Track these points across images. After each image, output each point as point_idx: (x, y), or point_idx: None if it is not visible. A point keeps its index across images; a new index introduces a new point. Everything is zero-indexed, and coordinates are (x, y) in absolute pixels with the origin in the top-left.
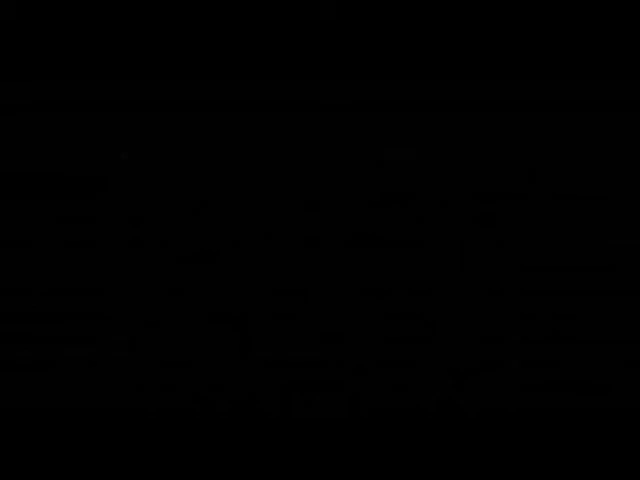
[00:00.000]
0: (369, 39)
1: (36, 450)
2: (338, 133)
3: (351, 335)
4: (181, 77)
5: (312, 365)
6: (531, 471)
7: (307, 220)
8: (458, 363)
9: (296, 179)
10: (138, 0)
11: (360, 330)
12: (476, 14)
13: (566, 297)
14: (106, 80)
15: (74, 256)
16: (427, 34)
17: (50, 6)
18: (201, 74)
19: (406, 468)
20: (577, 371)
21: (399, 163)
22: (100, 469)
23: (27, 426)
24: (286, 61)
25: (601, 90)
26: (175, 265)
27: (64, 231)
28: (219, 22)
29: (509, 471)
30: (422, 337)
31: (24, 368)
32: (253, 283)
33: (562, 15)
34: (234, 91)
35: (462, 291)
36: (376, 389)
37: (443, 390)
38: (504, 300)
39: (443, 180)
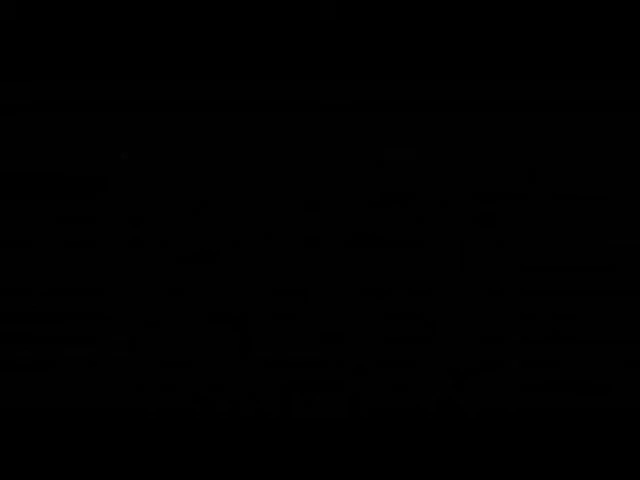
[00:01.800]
0: (369, 39)
1: (36, 450)
2: (338, 133)
3: (351, 335)
4: (181, 77)
5: (312, 365)
6: (531, 471)
7: (307, 220)
8: (458, 363)
9: (296, 179)
10: (138, 0)
11: (360, 330)
12: (476, 14)
13: (566, 297)
14: (106, 80)
15: (74, 256)
16: (427, 34)
17: (50, 6)
18: (201, 74)
19: (406, 468)
20: (577, 371)
21: (399, 163)
22: (100, 469)
23: (27, 426)
24: (286, 61)
25: (601, 90)
26: (175, 265)
27: (64, 231)
28: (219, 22)
29: (509, 471)
30: (422, 337)
31: (24, 368)
32: (253, 283)
33: (562, 15)
34: (234, 91)
35: (462, 291)
36: (376, 389)
37: (443, 390)
38: (504, 300)
39: (443, 180)
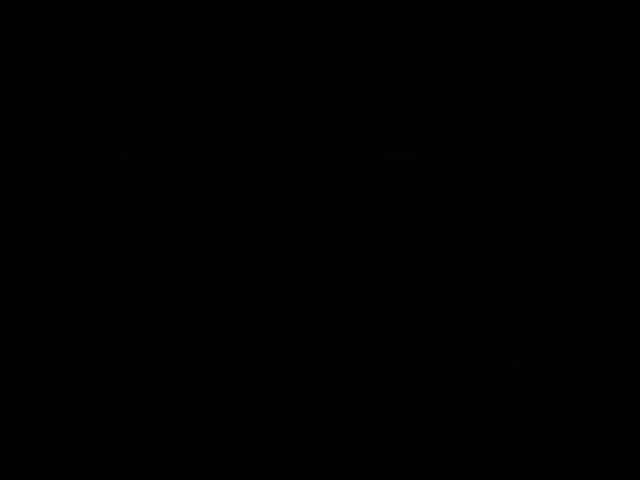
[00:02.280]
0: (369, 39)
1: (36, 450)
2: (338, 133)
3: (351, 335)
4: (181, 77)
5: (312, 365)
6: (531, 471)
7: (307, 220)
8: (458, 363)
9: (296, 179)
10: (138, 0)
11: (360, 330)
12: (476, 14)
13: (566, 297)
14: (106, 80)
15: (74, 256)
16: (427, 34)
17: (50, 6)
18: (201, 74)
19: (406, 468)
20: (577, 371)
21: (399, 163)
22: (100, 469)
23: (27, 426)
24: (286, 61)
25: (601, 90)
26: (175, 265)
27: (64, 231)
28: (219, 22)
29: (509, 471)
30: (422, 337)
31: (24, 368)
32: (253, 283)
33: (562, 15)
34: (234, 91)
35: (462, 291)
36: (376, 389)
37: (443, 390)
38: (504, 300)
39: (443, 180)
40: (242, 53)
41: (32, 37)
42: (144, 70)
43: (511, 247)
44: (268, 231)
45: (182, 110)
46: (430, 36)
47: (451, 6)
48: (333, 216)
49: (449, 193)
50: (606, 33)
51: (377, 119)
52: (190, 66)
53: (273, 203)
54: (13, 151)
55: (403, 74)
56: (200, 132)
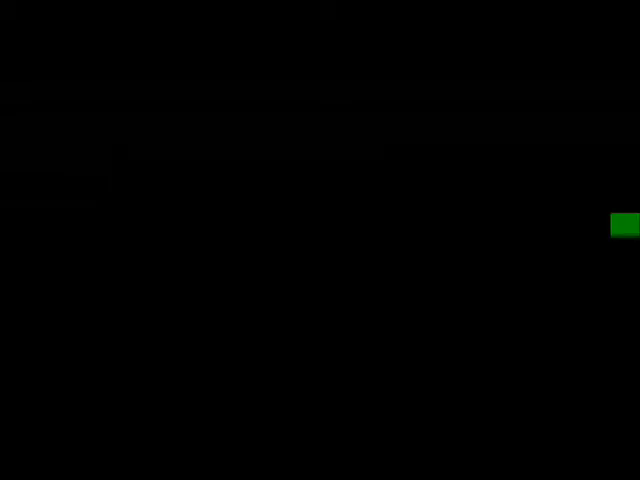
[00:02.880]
0: (369, 39)
1: None
2: (338, 133)
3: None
4: (181, 77)
5: None
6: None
7: (307, 220)
8: None
9: (296, 179)
10: (138, 0)
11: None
12: (476, 14)
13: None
14: (106, 80)
15: (74, 256)
16: (427, 34)
17: (50, 6)
18: (201, 74)
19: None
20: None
21: (400, 163)
22: None
23: None
24: (286, 61)
25: (601, 90)
26: (175, 265)
27: (64, 231)
28: (219, 22)
29: None
30: None
31: None
32: (253, 282)
33: (562, 15)
34: (234, 91)
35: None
36: None
37: None
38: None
39: (444, 179)
40: (242, 53)
41: (32, 37)
42: (144, 70)
43: (512, 246)
44: (269, 231)
45: (182, 110)
46: (430, 36)
47: (451, 6)
48: (333, 215)
49: (450, 193)
50: (606, 33)
51: (377, 119)
52: (190, 66)
53: (273, 203)
54: (13, 151)
55: (403, 74)
56: (200, 132)
